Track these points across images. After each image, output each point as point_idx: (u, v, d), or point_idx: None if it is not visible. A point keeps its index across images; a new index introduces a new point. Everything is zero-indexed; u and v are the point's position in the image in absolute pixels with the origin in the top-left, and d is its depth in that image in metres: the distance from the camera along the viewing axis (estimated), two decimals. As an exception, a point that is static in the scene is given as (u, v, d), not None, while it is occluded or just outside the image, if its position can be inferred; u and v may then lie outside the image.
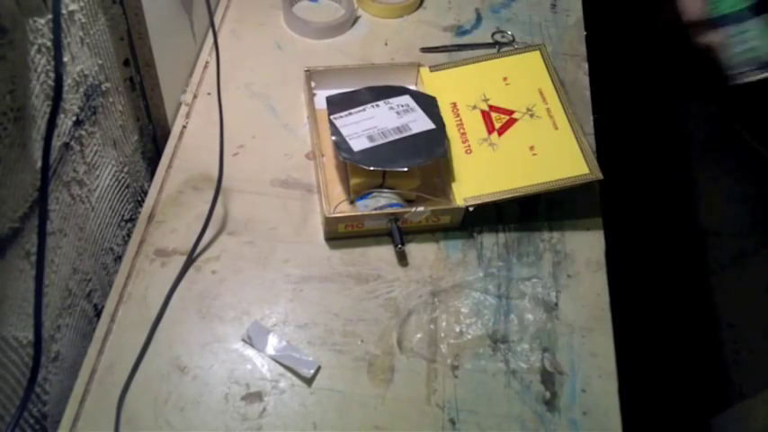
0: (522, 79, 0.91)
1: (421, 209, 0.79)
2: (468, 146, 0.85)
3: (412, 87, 0.92)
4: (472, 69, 0.93)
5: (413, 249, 0.81)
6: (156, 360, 0.71)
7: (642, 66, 1.67)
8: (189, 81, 0.95)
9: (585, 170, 0.81)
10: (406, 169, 0.79)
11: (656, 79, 1.41)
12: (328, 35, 1.03)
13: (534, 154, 0.84)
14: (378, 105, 0.86)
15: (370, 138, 0.82)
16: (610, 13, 1.32)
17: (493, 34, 1.05)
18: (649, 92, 1.45)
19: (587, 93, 0.98)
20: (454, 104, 0.89)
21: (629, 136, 1.48)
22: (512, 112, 0.88)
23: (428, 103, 0.87)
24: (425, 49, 1.02)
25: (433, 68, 0.93)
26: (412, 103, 0.86)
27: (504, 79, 0.91)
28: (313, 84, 0.92)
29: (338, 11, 1.06)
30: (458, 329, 0.75)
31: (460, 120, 0.88)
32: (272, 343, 0.72)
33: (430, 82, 0.92)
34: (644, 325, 1.13)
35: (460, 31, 1.06)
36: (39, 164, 0.62)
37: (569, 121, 0.86)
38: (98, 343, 0.72)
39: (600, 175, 0.81)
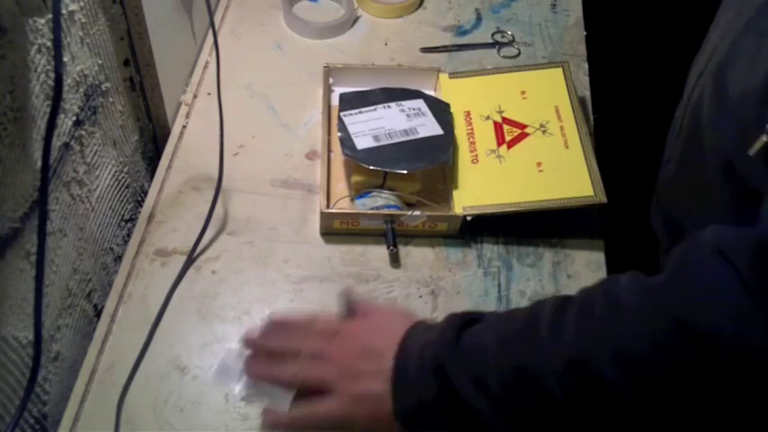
0: (541, 95, 0.90)
1: (417, 213, 0.79)
2: (476, 155, 0.85)
3: (430, 92, 0.92)
4: (492, 80, 0.92)
5: (412, 249, 0.81)
6: (156, 360, 0.71)
7: (642, 66, 1.67)
8: (189, 81, 0.95)
9: (590, 192, 0.80)
10: (405, 171, 0.80)
11: (657, 79, 1.41)
12: (328, 35, 1.03)
13: (541, 170, 0.83)
14: (389, 107, 0.86)
15: (376, 137, 0.82)
16: (610, 13, 1.32)
17: (493, 34, 1.05)
18: (650, 92, 1.45)
19: (587, 93, 0.98)
20: (468, 113, 0.89)
21: (629, 136, 1.48)
22: (524, 127, 0.87)
23: (441, 109, 0.87)
24: (425, 49, 1.02)
25: (453, 75, 0.93)
26: (424, 108, 0.86)
27: (522, 93, 0.90)
28: (331, 80, 0.92)
29: (338, 11, 1.06)
30: (458, 329, 0.75)
31: (472, 129, 0.87)
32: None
33: (448, 88, 0.92)
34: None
35: (460, 31, 1.06)
36: (39, 164, 0.62)
37: (581, 142, 0.84)
38: (98, 343, 0.72)
39: (604, 199, 0.80)
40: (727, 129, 0.54)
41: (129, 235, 0.86)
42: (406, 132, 0.83)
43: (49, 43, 0.60)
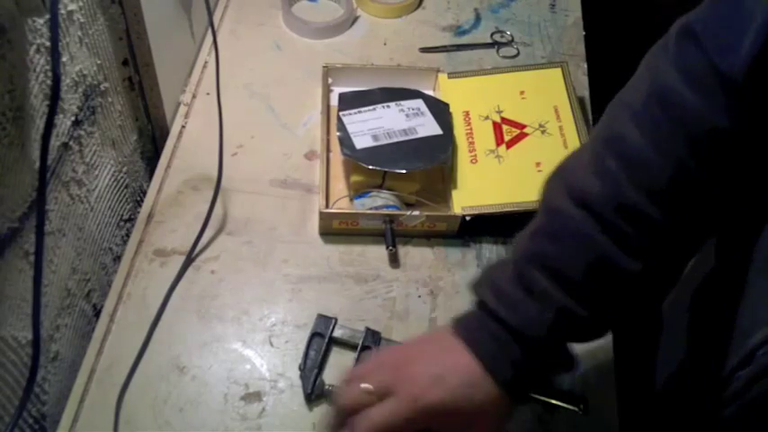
0: (540, 95, 0.90)
1: (416, 213, 0.79)
2: (475, 155, 0.85)
3: (429, 92, 0.92)
4: (491, 80, 0.92)
5: (411, 249, 0.81)
6: (155, 360, 0.71)
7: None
8: (188, 81, 0.95)
9: None
10: (404, 171, 0.80)
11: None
12: (327, 35, 1.03)
13: (540, 170, 0.83)
14: (388, 106, 0.86)
15: (375, 137, 0.82)
16: (609, 13, 1.32)
17: (492, 34, 1.05)
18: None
19: (586, 93, 0.98)
20: (467, 113, 0.89)
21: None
22: (523, 127, 0.87)
23: (440, 109, 0.87)
24: (424, 49, 1.02)
25: (452, 75, 0.93)
26: (423, 108, 0.86)
27: (521, 93, 0.90)
28: (330, 80, 0.93)
29: (337, 11, 1.06)
30: (457, 329, 0.75)
31: (471, 129, 0.87)
32: None
33: (447, 88, 0.92)
34: (644, 323, 1.14)
35: (459, 31, 1.06)
36: (37, 164, 0.62)
37: (580, 142, 0.85)
38: (97, 343, 0.72)
39: None
40: None
41: (128, 235, 0.86)
42: (405, 132, 0.83)
43: (47, 43, 0.60)
